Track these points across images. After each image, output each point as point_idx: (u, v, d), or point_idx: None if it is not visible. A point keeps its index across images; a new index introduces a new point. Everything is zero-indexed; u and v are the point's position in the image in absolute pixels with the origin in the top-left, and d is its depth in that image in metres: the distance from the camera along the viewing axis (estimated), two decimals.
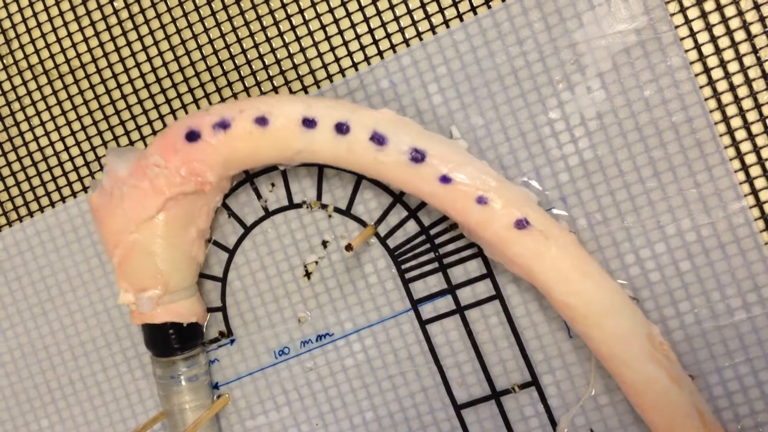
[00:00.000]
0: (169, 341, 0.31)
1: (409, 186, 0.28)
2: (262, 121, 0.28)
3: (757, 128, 0.28)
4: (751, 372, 0.28)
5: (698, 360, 0.29)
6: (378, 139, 0.27)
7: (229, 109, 0.28)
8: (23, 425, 0.35)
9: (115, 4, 0.33)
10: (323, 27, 0.31)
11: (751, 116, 0.28)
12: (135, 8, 0.32)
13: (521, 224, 0.27)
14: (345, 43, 0.31)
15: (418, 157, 0.27)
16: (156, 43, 0.33)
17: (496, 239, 0.27)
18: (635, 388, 0.27)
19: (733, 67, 0.28)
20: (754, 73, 0.28)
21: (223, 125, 0.28)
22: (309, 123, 0.28)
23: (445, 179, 0.27)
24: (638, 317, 0.27)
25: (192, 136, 0.28)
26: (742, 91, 0.28)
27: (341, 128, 0.27)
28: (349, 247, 0.27)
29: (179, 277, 0.31)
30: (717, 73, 0.28)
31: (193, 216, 0.30)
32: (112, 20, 0.33)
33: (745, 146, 0.28)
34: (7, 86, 0.34)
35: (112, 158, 0.30)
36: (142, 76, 0.33)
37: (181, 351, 0.31)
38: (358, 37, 0.31)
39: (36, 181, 0.34)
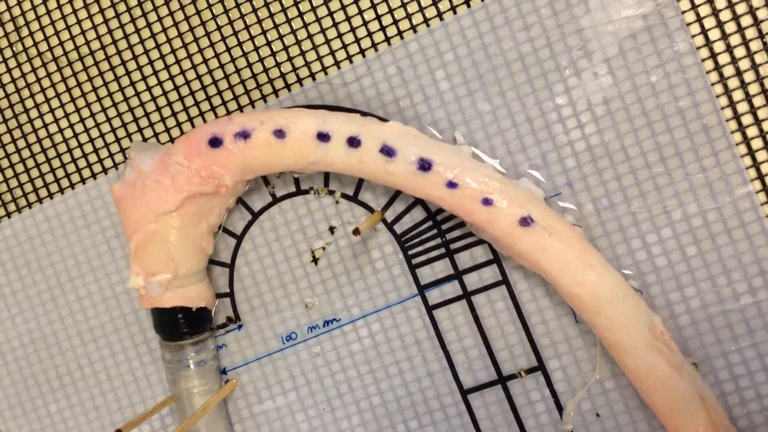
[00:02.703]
0: (178, 325, 0.31)
1: (419, 192, 0.29)
2: (279, 133, 0.29)
3: (763, 113, 0.28)
4: (757, 356, 0.28)
5: (704, 344, 0.29)
6: (387, 151, 0.28)
7: (250, 120, 0.29)
8: (32, 410, 0.35)
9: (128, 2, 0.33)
10: (331, 14, 0.31)
11: (758, 101, 0.28)
12: (148, 6, 0.33)
13: (525, 222, 0.28)
14: (353, 29, 0.31)
15: (425, 165, 0.28)
16: (164, 30, 0.33)
17: (503, 236, 0.28)
18: (637, 375, 0.28)
19: (739, 52, 0.28)
20: (760, 58, 0.28)
21: (244, 135, 0.29)
22: (323, 137, 0.29)
23: (451, 185, 0.28)
24: (641, 308, 0.28)
25: (215, 142, 0.30)
26: (749, 76, 0.28)
27: (353, 142, 0.29)
28: (356, 232, 0.27)
29: (189, 264, 0.31)
30: (723, 58, 0.28)
31: (206, 213, 0.31)
32: (125, 17, 0.33)
33: (752, 131, 0.28)
34: (17, 73, 0.34)
35: (137, 152, 0.31)
36: (151, 63, 0.33)
37: (189, 335, 0.31)
38: (365, 23, 0.31)
39: (45, 168, 0.35)
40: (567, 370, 0.30)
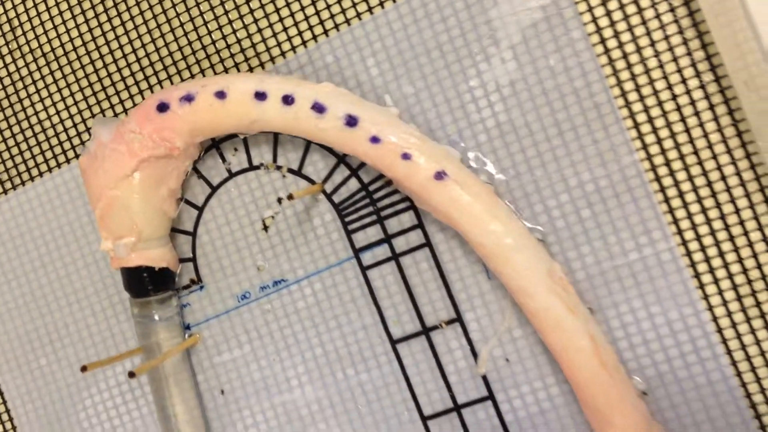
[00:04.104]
0: (144, 283, 0.36)
1: (345, 147, 0.32)
2: (221, 94, 0.32)
3: (646, 91, 0.32)
4: (643, 306, 0.32)
5: (598, 296, 0.33)
6: (318, 108, 0.32)
7: (193, 85, 0.33)
8: (25, 363, 0.40)
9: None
10: (277, 10, 0.36)
11: (642, 80, 0.32)
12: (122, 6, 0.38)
13: (440, 176, 0.31)
14: (296, 24, 0.35)
15: (351, 121, 0.31)
16: (136, 27, 0.38)
17: (420, 190, 0.32)
18: (536, 316, 0.31)
19: (625, 37, 0.32)
20: (643, 42, 0.32)
21: (188, 98, 0.33)
22: (260, 96, 0.32)
23: (374, 139, 0.31)
24: (541, 255, 0.31)
25: (162, 108, 0.33)
26: (634, 59, 0.32)
27: (287, 100, 0.32)
28: (290, 197, 0.32)
29: (151, 228, 0.35)
30: (612, 43, 0.32)
31: (164, 177, 0.35)
32: (101, 10, 0.38)
33: (637, 107, 0.32)
34: (12, 68, 0.39)
35: (98, 126, 0.35)
36: (125, 56, 0.38)
37: (154, 292, 0.36)
38: (306, 18, 0.35)
39: (36, 150, 0.39)
40: (481, 321, 0.34)
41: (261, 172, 0.37)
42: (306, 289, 0.36)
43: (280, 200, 0.36)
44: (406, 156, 0.31)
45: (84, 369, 0.32)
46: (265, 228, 0.37)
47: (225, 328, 0.38)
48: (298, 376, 0.37)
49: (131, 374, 0.32)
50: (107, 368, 0.39)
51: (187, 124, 0.33)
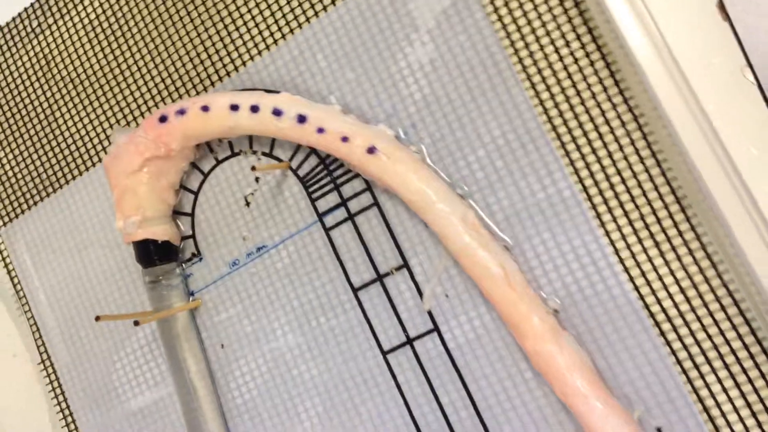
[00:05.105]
0: (150, 254, 0.43)
1: (300, 139, 0.40)
2: (205, 108, 0.41)
3: (539, 56, 0.37)
4: (552, 237, 0.37)
5: (515, 233, 0.38)
6: (276, 113, 0.39)
7: (186, 102, 0.42)
8: (68, 338, 0.49)
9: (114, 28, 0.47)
10: (245, 23, 0.43)
11: (534, 47, 0.37)
12: (125, 28, 0.46)
13: (371, 151, 0.38)
14: (260, 33, 0.43)
15: (302, 119, 0.39)
16: (146, 63, 0.46)
17: (359, 164, 0.39)
18: (457, 254, 0.37)
19: (518, 13, 0.38)
20: (533, 15, 0.37)
21: (182, 112, 0.41)
22: (234, 108, 0.40)
23: (320, 130, 0.39)
24: (457, 205, 0.37)
25: (163, 119, 0.42)
26: (526, 30, 0.38)
27: (254, 109, 0.40)
28: (253, 168, 0.39)
29: (153, 210, 0.43)
30: (507, 19, 0.38)
31: (164, 173, 0.43)
32: (112, 39, 0.47)
33: (532, 70, 0.37)
34: (48, 94, 0.49)
35: (116, 134, 0.44)
36: (137, 84, 0.46)
37: (159, 262, 0.44)
38: (268, 26, 0.43)
39: (69, 159, 0.48)
40: (423, 264, 0.40)
41: (241, 157, 0.44)
42: (282, 252, 0.43)
43: (257, 179, 0.44)
44: (344, 139, 0.38)
45: (97, 318, 0.39)
46: (247, 204, 0.44)
47: (221, 291, 0.45)
48: (281, 326, 0.43)
49: (136, 323, 0.40)
50: (132, 336, 0.47)
51: (180, 131, 0.42)
